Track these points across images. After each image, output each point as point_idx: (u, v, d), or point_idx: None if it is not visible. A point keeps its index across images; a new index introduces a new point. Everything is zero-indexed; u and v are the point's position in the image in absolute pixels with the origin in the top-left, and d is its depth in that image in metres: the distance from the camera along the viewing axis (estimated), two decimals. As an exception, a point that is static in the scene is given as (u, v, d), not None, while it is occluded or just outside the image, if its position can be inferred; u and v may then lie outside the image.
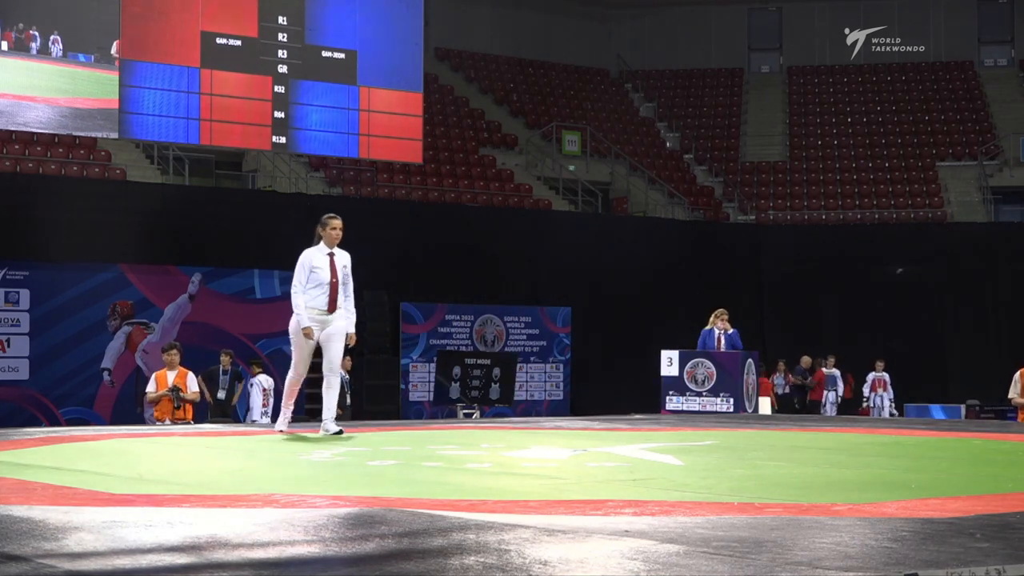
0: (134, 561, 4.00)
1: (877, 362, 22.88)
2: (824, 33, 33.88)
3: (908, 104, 32.54)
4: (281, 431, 9.81)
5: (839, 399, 22.61)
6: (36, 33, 19.80)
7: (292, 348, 9.79)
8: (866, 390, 22.79)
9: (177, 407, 14.11)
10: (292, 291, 9.48)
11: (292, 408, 10.13)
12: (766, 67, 34.99)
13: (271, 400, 17.04)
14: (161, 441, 9.49)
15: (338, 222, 9.71)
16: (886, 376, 22.79)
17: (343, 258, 9.69)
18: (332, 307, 9.55)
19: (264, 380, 17.47)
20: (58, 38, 19.90)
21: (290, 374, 9.85)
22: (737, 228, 28.07)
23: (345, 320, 9.62)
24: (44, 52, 19.84)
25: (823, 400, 22.48)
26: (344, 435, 9.38)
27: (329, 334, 9.57)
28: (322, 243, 9.62)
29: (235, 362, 17.48)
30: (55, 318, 18.13)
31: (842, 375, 23.00)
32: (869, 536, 4.47)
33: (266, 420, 16.36)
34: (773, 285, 25.86)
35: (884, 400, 22.52)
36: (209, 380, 16.68)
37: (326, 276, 9.49)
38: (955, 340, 25.37)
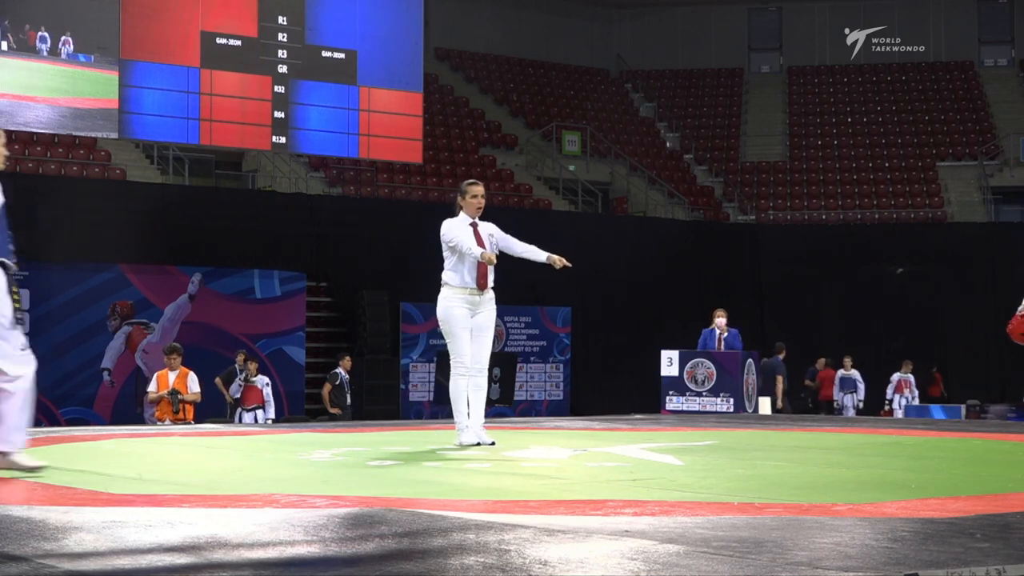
0: (134, 561, 4.00)
1: (904, 363, 22.51)
2: (824, 33, 33.88)
3: (908, 104, 32.55)
4: (490, 443, 8.38)
5: (859, 402, 22.23)
6: (46, 34, 19.79)
7: (448, 340, 8.56)
8: (890, 391, 22.39)
9: (176, 411, 14.14)
10: (447, 264, 8.03)
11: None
12: (766, 67, 35.00)
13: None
14: (161, 441, 9.48)
15: (479, 188, 8.66)
16: (911, 377, 22.46)
17: (487, 227, 8.65)
18: (483, 283, 8.46)
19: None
20: (69, 39, 19.91)
21: (457, 373, 8.45)
22: (737, 228, 28.07)
23: (492, 308, 8.55)
24: (54, 53, 19.84)
25: (840, 403, 22.18)
26: (483, 446, 8.30)
27: (480, 324, 8.49)
28: (463, 213, 8.60)
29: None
30: (55, 318, 18.13)
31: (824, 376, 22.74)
32: (869, 536, 4.47)
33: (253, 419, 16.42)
34: (773, 285, 25.85)
35: (909, 401, 22.17)
36: (228, 380, 16.83)
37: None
38: (955, 340, 25.37)
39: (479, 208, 8.59)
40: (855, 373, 22.46)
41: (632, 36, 34.72)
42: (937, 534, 4.51)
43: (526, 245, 8.79)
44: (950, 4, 33.61)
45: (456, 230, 8.53)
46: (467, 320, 8.47)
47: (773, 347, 21.60)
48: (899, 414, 21.72)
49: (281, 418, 18.15)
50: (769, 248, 26.17)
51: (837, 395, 22.43)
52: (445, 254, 8.63)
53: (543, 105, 31.26)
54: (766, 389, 21.64)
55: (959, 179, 29.90)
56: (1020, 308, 8.46)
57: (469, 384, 8.46)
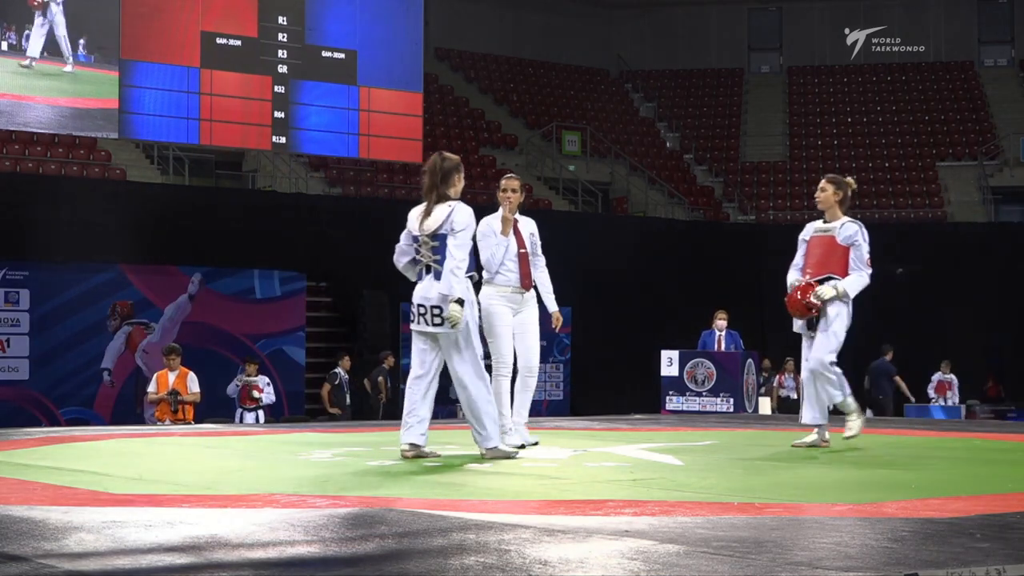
0: (134, 561, 4.00)
1: (943, 363, 21.82)
2: (824, 33, 33.87)
3: (908, 104, 32.53)
4: (533, 443, 8.40)
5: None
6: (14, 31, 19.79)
7: (490, 339, 8.23)
8: (931, 391, 21.65)
9: (175, 411, 14.17)
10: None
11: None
12: (766, 67, 34.99)
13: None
14: (161, 441, 9.48)
15: (509, 182, 8.29)
16: (953, 378, 21.72)
17: (529, 225, 8.42)
18: (527, 283, 8.23)
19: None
20: (82, 41, 19.93)
21: (500, 374, 8.22)
22: (737, 228, 28.05)
23: (535, 305, 8.33)
24: (58, 53, 19.86)
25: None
26: (528, 446, 8.19)
27: (524, 321, 8.27)
28: (501, 209, 8.22)
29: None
30: (55, 318, 18.13)
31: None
32: (869, 536, 4.47)
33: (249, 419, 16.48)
34: (773, 285, 25.74)
35: (948, 404, 21.19)
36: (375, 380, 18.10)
37: (512, 246, 8.12)
38: (955, 340, 25.35)
39: (509, 200, 8.25)
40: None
41: (632, 36, 34.70)
42: (937, 534, 4.51)
43: (547, 284, 8.55)
44: (950, 4, 33.60)
45: (491, 242, 8.14)
46: (509, 318, 8.26)
47: (880, 349, 21.47)
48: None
49: (281, 418, 18.17)
50: (769, 248, 26.10)
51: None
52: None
53: (543, 105, 31.25)
54: (876, 391, 21.25)
55: (959, 179, 29.89)
56: (795, 282, 8.60)
57: (517, 384, 8.34)
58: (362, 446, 8.69)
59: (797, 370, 21.27)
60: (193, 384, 14.48)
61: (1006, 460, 8.51)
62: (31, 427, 13.24)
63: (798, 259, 8.87)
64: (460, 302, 7.26)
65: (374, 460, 7.60)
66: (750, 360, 16.39)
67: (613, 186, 29.02)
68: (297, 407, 19.54)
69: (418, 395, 7.54)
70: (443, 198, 7.40)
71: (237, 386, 16.70)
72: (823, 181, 8.81)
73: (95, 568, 3.89)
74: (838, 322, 8.51)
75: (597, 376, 22.95)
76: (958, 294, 25.42)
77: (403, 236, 7.55)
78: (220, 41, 20.70)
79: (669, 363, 16.27)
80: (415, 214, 7.49)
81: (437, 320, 7.33)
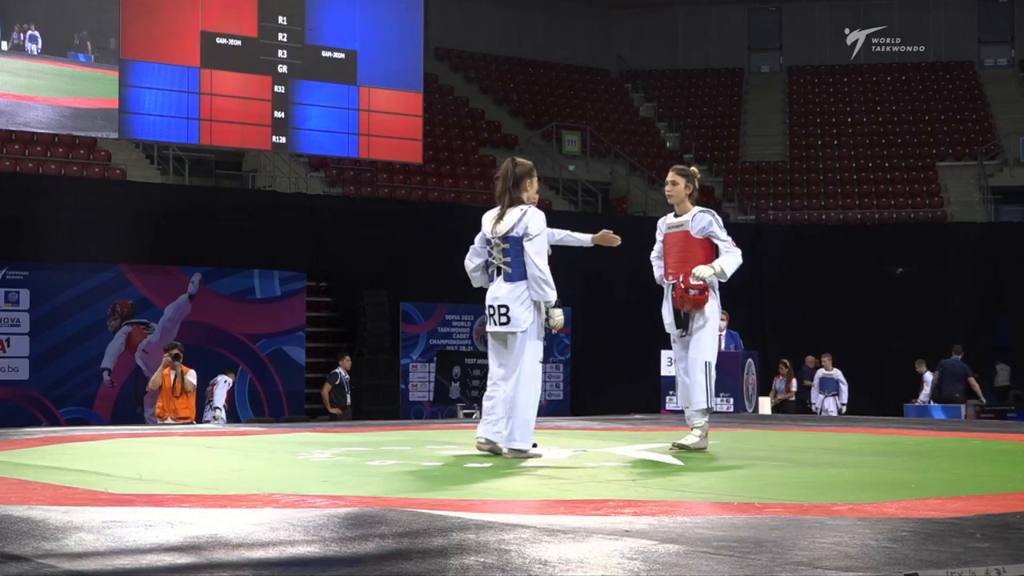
0: (134, 561, 4.00)
1: (917, 363, 21.70)
2: (824, 33, 33.87)
3: (908, 104, 32.54)
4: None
5: (842, 405, 20.25)
6: (36, 33, 19.78)
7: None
8: (927, 391, 21.50)
9: (178, 396, 14.27)
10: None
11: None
12: (766, 67, 34.99)
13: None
14: (161, 441, 9.49)
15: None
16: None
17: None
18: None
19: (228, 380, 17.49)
20: (88, 42, 19.97)
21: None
22: (737, 228, 27.98)
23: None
24: (58, 52, 19.88)
25: (819, 406, 20.33)
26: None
27: None
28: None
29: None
30: (55, 318, 18.14)
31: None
32: (869, 536, 4.47)
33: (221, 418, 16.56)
34: (773, 285, 25.82)
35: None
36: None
37: None
38: (955, 340, 25.35)
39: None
40: (837, 373, 20.56)
41: (632, 36, 34.70)
42: (937, 534, 4.51)
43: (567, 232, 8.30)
44: (950, 4, 33.60)
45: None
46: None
47: (951, 349, 21.33)
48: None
49: (281, 418, 18.19)
50: (769, 248, 26.13)
51: (815, 397, 20.58)
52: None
53: (543, 105, 31.25)
54: (951, 389, 21.02)
55: (959, 179, 29.89)
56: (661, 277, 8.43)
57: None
58: (362, 446, 8.69)
59: (794, 372, 21.11)
60: (193, 380, 14.59)
61: (1006, 460, 8.51)
62: (31, 427, 13.24)
63: (657, 249, 8.54)
64: (558, 305, 7.59)
65: (374, 460, 7.60)
66: (750, 360, 16.39)
67: (613, 186, 29.02)
68: (297, 407, 19.55)
69: (497, 394, 7.70)
70: (516, 202, 7.63)
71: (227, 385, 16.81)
72: (673, 174, 8.38)
73: (95, 568, 3.89)
74: (713, 319, 8.34)
75: (597, 376, 22.95)
76: (958, 294, 25.43)
77: (477, 239, 7.77)
78: (220, 41, 20.71)
79: (669, 363, 16.24)
80: (489, 217, 7.71)
81: (504, 320, 7.59)
